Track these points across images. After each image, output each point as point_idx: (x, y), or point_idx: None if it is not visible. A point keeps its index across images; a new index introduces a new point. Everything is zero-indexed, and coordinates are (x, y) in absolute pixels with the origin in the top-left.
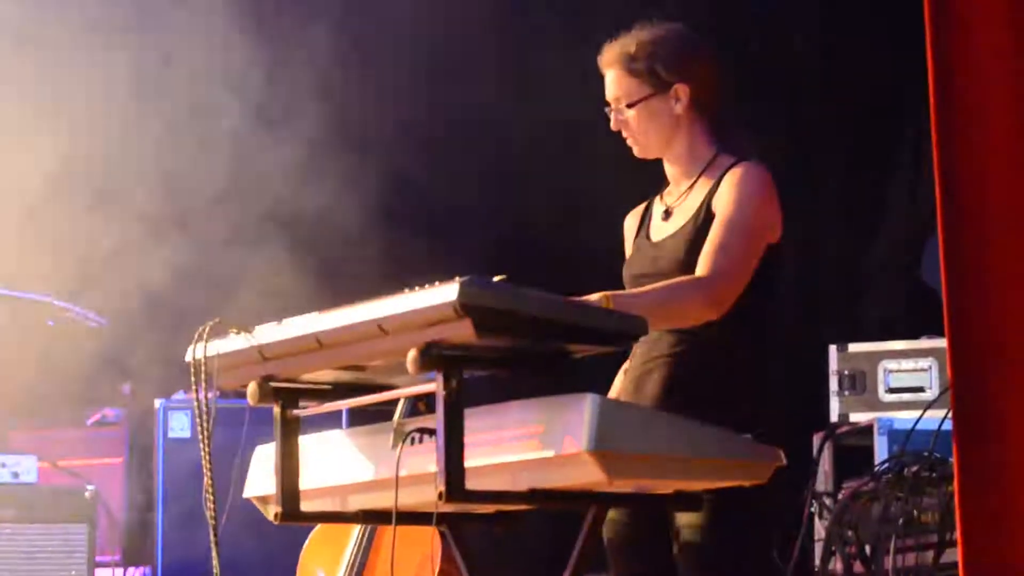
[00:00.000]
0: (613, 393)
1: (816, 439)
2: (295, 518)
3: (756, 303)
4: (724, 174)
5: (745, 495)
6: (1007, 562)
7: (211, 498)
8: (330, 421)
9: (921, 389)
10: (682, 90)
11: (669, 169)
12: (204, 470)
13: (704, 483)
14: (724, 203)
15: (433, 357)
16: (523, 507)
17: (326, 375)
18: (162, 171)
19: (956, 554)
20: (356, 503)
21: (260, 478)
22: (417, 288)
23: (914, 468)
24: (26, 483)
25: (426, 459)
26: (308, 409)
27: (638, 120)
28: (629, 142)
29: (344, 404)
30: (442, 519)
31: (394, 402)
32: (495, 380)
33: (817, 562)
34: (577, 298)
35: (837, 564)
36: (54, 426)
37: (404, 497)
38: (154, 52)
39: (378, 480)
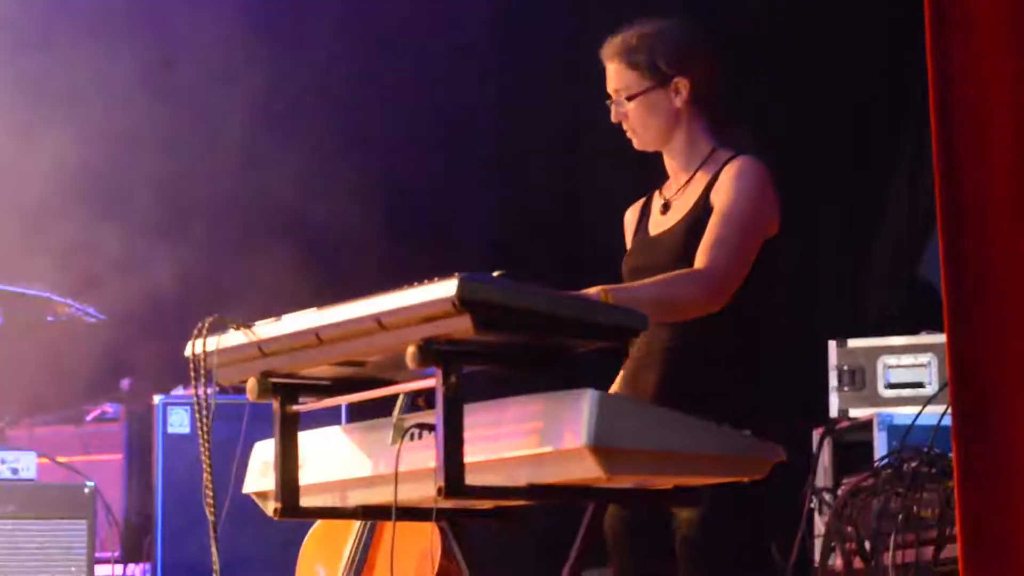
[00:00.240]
0: (614, 389)
1: (815, 435)
2: (294, 514)
3: (755, 297)
4: (722, 168)
5: (744, 490)
6: (1007, 557)
7: (210, 494)
8: (329, 417)
9: (921, 385)
10: (682, 84)
11: (668, 162)
12: (203, 466)
13: (703, 478)
14: (722, 197)
15: (432, 352)
16: (522, 503)
17: (325, 371)
18: (166, 173)
19: (956, 550)
20: (355, 499)
21: (259, 474)
22: (416, 284)
23: (914, 464)
24: (25, 479)
25: (425, 455)
26: (307, 405)
27: (638, 113)
28: (628, 134)
29: (343, 400)
30: (442, 515)
31: (393, 398)
32: (494, 375)
33: (817, 558)
34: (575, 292)
35: (837, 560)
36: (53, 422)
37: (404, 493)
38: (159, 55)
39: (377, 476)
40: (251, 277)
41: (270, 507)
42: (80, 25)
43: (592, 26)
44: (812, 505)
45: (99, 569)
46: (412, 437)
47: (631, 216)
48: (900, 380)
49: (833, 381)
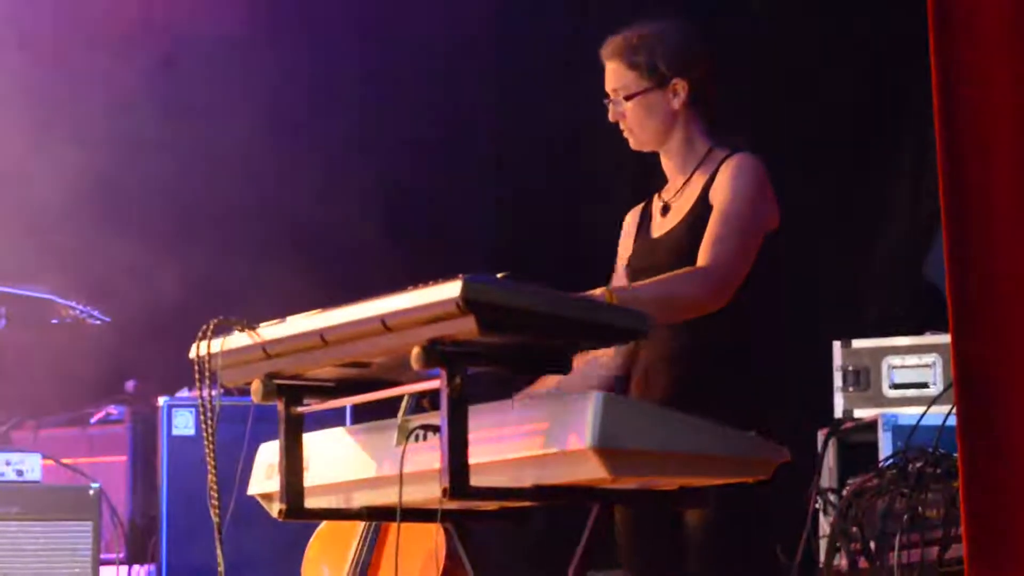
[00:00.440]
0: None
1: (820, 435)
2: (299, 515)
3: (759, 294)
4: (719, 166)
5: (749, 491)
6: (1012, 557)
7: (215, 496)
8: (334, 418)
9: (925, 385)
10: (681, 85)
11: (665, 163)
12: (208, 467)
13: (708, 479)
14: (721, 195)
15: (437, 354)
16: (527, 504)
17: (330, 372)
18: (171, 177)
19: (961, 550)
20: (360, 500)
21: (264, 475)
22: (420, 285)
23: (918, 464)
24: (30, 481)
25: (430, 456)
26: (312, 406)
27: (635, 113)
28: (625, 134)
29: (348, 401)
30: (446, 516)
31: (398, 399)
32: (499, 377)
33: (822, 558)
34: (579, 294)
35: (842, 560)
36: (58, 424)
37: (408, 494)
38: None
39: (382, 477)
40: (255, 279)
41: (275, 508)
42: (86, 32)
43: (594, 26)
44: (817, 505)
45: (104, 571)
46: (417, 438)
47: (631, 220)
48: (905, 380)
49: (838, 382)
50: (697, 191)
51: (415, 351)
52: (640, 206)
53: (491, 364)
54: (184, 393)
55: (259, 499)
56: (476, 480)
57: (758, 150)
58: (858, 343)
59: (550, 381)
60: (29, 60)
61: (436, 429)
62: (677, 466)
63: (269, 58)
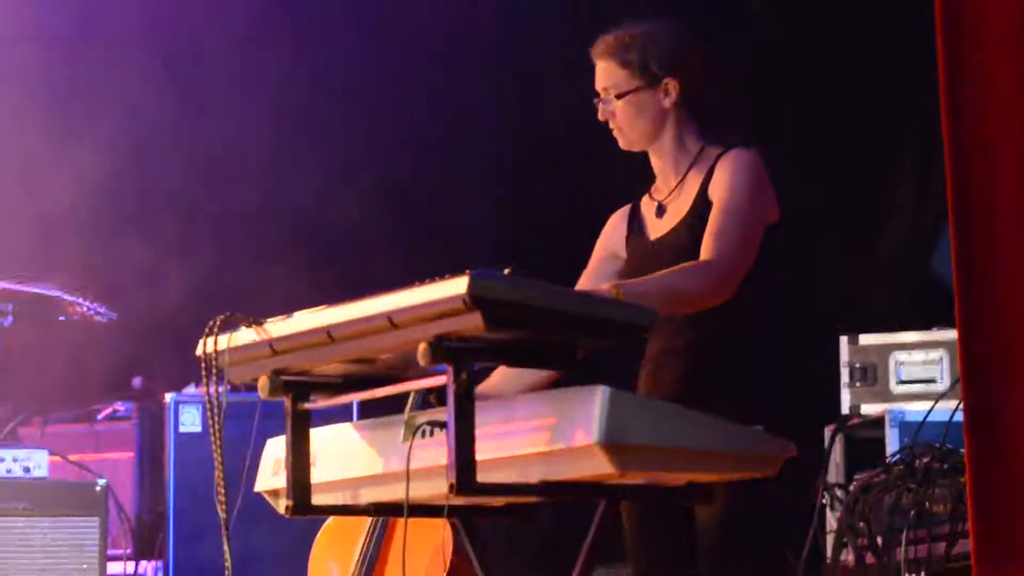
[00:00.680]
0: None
1: (827, 431)
2: (306, 511)
3: (761, 288)
4: (716, 163)
5: (756, 487)
6: (1020, 553)
7: (222, 492)
8: (341, 414)
9: (932, 381)
10: (672, 85)
11: (656, 163)
12: (215, 464)
13: (715, 475)
14: (721, 190)
15: (443, 350)
16: (534, 500)
17: (337, 368)
18: (178, 175)
19: (968, 545)
20: (367, 496)
21: (271, 472)
22: (427, 281)
23: (925, 459)
24: (37, 478)
25: (437, 452)
26: (319, 402)
27: (625, 112)
28: (615, 133)
29: (355, 397)
30: (453, 512)
31: (405, 395)
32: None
33: (829, 554)
34: (585, 289)
35: (849, 556)
36: (65, 421)
37: (415, 490)
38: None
39: (389, 473)
40: (261, 277)
41: (282, 505)
42: (93, 32)
43: (596, 25)
44: (824, 501)
45: (111, 567)
46: (424, 434)
47: (616, 221)
48: (912, 376)
49: (845, 377)
50: (695, 190)
51: (421, 347)
52: (625, 209)
53: (497, 360)
54: (191, 390)
55: (266, 495)
56: (483, 476)
57: (761, 145)
58: (865, 339)
59: (494, 379)
60: (37, 60)
61: (443, 425)
62: (684, 462)
63: (273, 59)
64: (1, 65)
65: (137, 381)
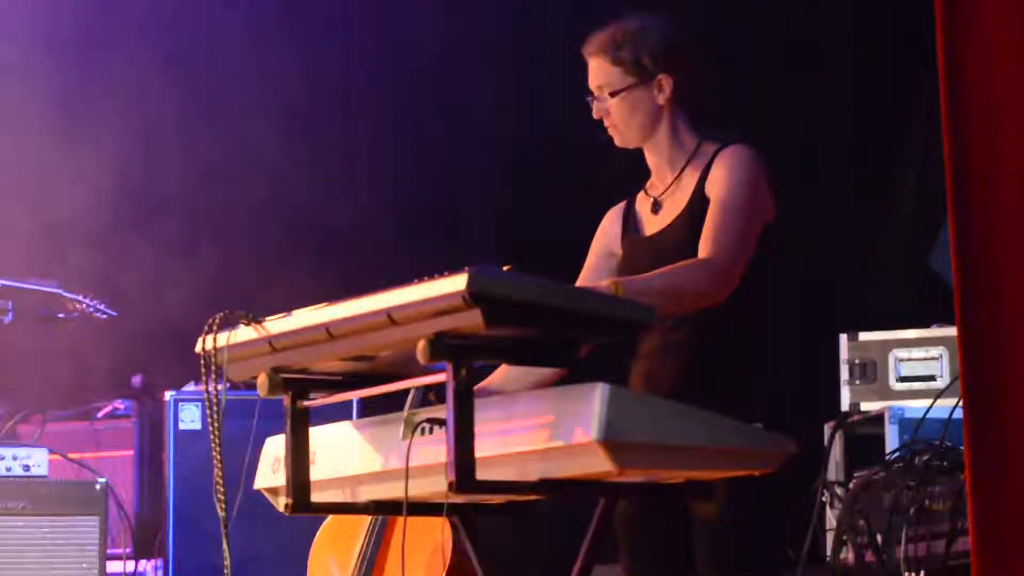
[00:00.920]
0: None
1: (827, 428)
2: (305, 509)
3: (759, 286)
4: (713, 159)
5: (756, 484)
6: (1020, 551)
7: (221, 490)
8: (340, 412)
9: (932, 378)
10: (665, 81)
11: (651, 160)
12: (214, 462)
13: (715, 472)
14: (718, 186)
15: (443, 347)
16: (534, 497)
17: (336, 366)
18: (179, 173)
19: (968, 542)
20: (367, 494)
21: (270, 470)
22: (426, 278)
23: (925, 457)
24: (37, 476)
25: (436, 450)
26: (318, 400)
27: (620, 109)
28: (610, 131)
29: (354, 395)
30: (453, 510)
31: (404, 392)
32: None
33: (829, 551)
34: (585, 286)
35: (849, 553)
36: (65, 419)
37: (415, 488)
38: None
39: (388, 471)
40: (262, 275)
41: (281, 503)
42: (100, 32)
43: (599, 20)
44: (824, 499)
45: (111, 565)
46: (423, 432)
47: (612, 218)
48: (911, 373)
49: (844, 374)
50: (692, 186)
51: (421, 344)
52: (620, 206)
53: (497, 357)
54: (190, 387)
55: (265, 493)
56: (482, 474)
57: (762, 144)
58: (865, 336)
59: (497, 375)
60: (45, 61)
61: (442, 423)
62: (683, 459)
63: (276, 60)
64: (7, 66)
65: (137, 379)
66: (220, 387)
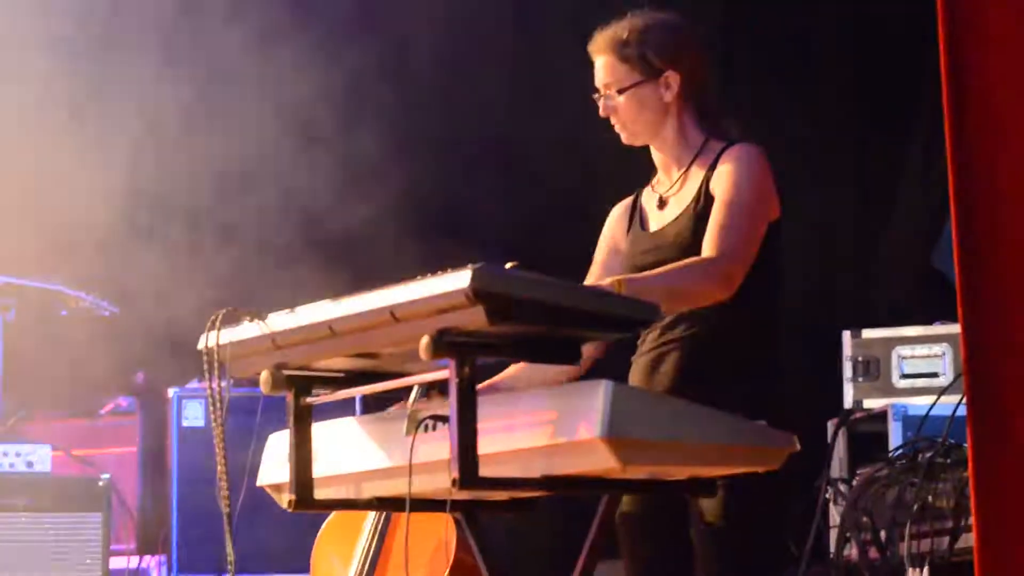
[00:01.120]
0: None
1: (830, 425)
2: (309, 506)
3: (762, 284)
4: (719, 157)
5: (759, 481)
6: (1023, 547)
7: (225, 486)
8: (343, 409)
9: (935, 375)
10: (672, 77)
11: (657, 156)
12: (218, 458)
13: (718, 469)
14: (723, 184)
15: (446, 344)
16: (537, 494)
17: (339, 363)
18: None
19: (971, 539)
20: (370, 490)
21: (274, 466)
22: (429, 275)
23: (928, 454)
24: (40, 473)
25: (440, 446)
26: (321, 397)
27: (627, 107)
28: (617, 129)
29: (357, 391)
30: (456, 506)
31: (408, 389)
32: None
33: (832, 548)
34: (588, 284)
35: (852, 550)
36: (68, 416)
37: (418, 484)
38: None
39: (392, 467)
40: (264, 272)
41: (284, 499)
42: (107, 32)
43: (604, 17)
44: (827, 496)
45: (114, 561)
46: (426, 428)
47: (618, 214)
48: (914, 370)
49: (848, 372)
50: (697, 182)
51: (424, 341)
52: (627, 201)
53: (500, 354)
54: (194, 384)
55: (268, 490)
56: (485, 470)
57: (763, 140)
58: (868, 333)
59: (511, 372)
60: (52, 61)
61: (445, 419)
62: (687, 456)
63: (282, 56)
64: (15, 69)
65: (140, 376)
66: (223, 384)
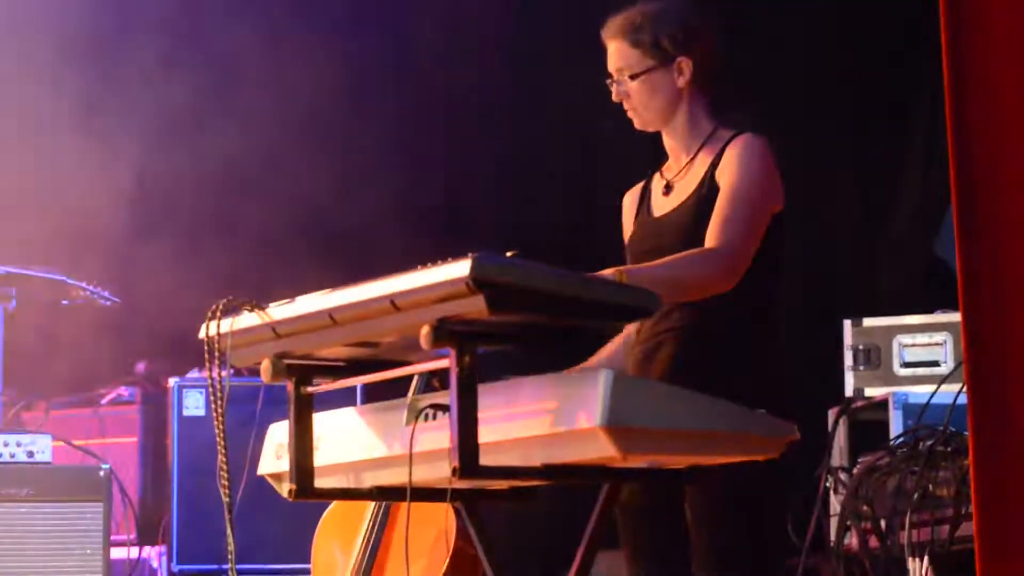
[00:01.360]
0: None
1: (831, 414)
2: (309, 495)
3: (763, 274)
4: (725, 146)
5: (759, 469)
6: (1023, 535)
7: (225, 476)
8: (344, 398)
9: (936, 363)
10: (685, 64)
11: (668, 143)
12: (218, 448)
13: (718, 458)
14: (728, 175)
15: (446, 333)
16: (537, 483)
17: (340, 352)
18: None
19: (971, 528)
20: (370, 480)
21: (274, 455)
22: (430, 264)
23: (929, 442)
24: (41, 462)
25: (440, 435)
26: (322, 386)
27: (640, 93)
28: (630, 114)
29: (358, 380)
30: (456, 496)
31: (408, 378)
32: (509, 356)
33: (832, 537)
34: (591, 273)
35: (852, 539)
36: (68, 405)
37: (418, 474)
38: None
39: (392, 457)
40: (265, 262)
41: (285, 489)
42: (113, 30)
43: (608, 8)
44: (827, 484)
45: (115, 551)
46: (427, 418)
47: (629, 200)
48: (915, 359)
49: (848, 360)
50: (703, 171)
51: (424, 330)
52: (638, 186)
53: (501, 343)
54: (194, 374)
55: (269, 479)
56: (486, 460)
57: (769, 130)
58: (869, 321)
59: (605, 353)
60: (57, 58)
61: (446, 408)
62: (687, 444)
63: (283, 51)
64: (21, 63)
65: (141, 365)
66: (224, 373)
